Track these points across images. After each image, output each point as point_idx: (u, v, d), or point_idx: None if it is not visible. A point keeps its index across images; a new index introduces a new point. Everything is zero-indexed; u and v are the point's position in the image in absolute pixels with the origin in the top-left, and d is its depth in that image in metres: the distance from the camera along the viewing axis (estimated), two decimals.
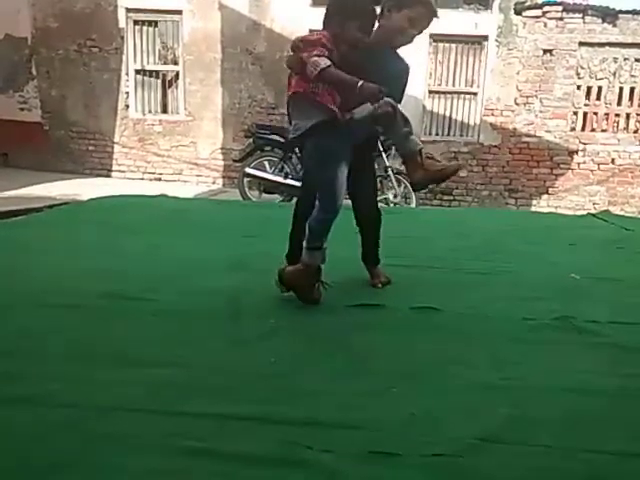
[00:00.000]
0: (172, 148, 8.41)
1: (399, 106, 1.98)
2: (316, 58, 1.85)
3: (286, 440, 1.22)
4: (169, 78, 8.53)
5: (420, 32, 2.11)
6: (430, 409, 1.40)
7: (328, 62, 1.85)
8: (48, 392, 1.38)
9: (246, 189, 6.22)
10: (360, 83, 1.83)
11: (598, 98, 7.93)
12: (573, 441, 1.28)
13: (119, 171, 8.56)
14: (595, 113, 7.98)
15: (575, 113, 7.99)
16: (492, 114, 7.92)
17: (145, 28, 8.31)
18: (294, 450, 1.19)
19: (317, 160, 2.04)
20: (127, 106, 8.40)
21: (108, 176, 8.48)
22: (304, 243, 2.08)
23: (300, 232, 2.18)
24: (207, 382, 1.49)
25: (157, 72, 8.51)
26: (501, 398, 1.47)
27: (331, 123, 1.93)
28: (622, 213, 6.93)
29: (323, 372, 1.59)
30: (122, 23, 8.14)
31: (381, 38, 2.08)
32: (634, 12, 7.53)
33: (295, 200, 2.39)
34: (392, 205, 5.86)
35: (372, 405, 1.40)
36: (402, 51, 2.16)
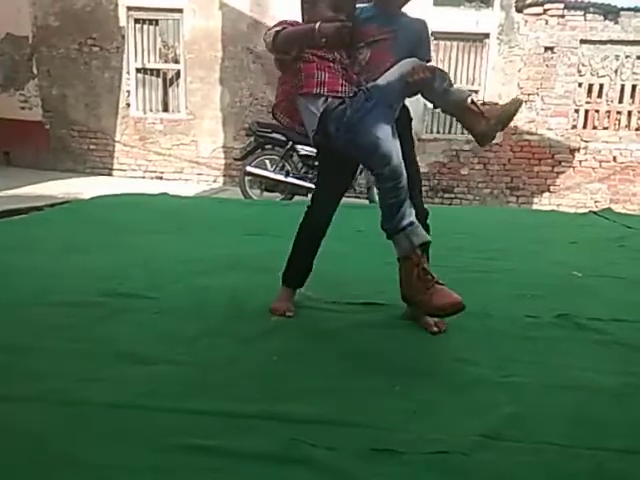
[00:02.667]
0: (173, 147, 8.41)
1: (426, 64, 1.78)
2: (267, 32, 1.78)
3: (289, 438, 1.22)
4: (170, 76, 8.52)
5: None
6: (432, 406, 1.40)
7: (279, 27, 1.76)
8: (51, 390, 1.38)
9: (247, 187, 6.22)
10: (317, 26, 1.71)
11: (599, 96, 7.91)
12: (576, 438, 1.28)
13: (120, 170, 8.55)
14: (597, 111, 7.96)
15: (577, 111, 7.97)
16: None
17: (146, 26, 8.30)
18: (297, 448, 1.19)
19: (345, 137, 1.75)
20: (128, 105, 8.39)
21: (109, 175, 8.48)
22: (389, 230, 1.75)
23: (305, 250, 2.00)
24: (209, 380, 1.49)
25: (158, 70, 8.50)
26: (503, 395, 1.47)
27: (336, 104, 1.73)
28: (624, 211, 6.92)
29: (325, 370, 1.59)
30: (123, 22, 8.13)
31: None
32: (636, 9, 7.51)
33: (304, 212, 2.05)
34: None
35: (374, 403, 1.40)
36: None
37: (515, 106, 1.76)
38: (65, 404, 1.33)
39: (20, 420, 1.26)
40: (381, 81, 1.73)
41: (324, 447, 1.19)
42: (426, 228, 1.90)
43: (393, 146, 1.68)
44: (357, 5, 1.94)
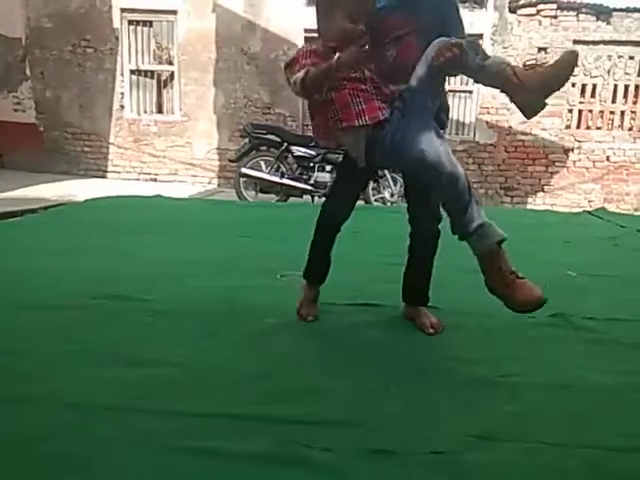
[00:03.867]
0: (167, 148, 8.39)
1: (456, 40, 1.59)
2: (292, 79, 1.66)
3: (286, 439, 1.21)
4: (164, 78, 8.51)
5: None
6: (429, 406, 1.40)
7: (302, 72, 1.62)
8: (48, 392, 1.38)
9: (242, 189, 6.22)
10: (335, 59, 1.56)
11: (593, 96, 7.95)
12: (572, 437, 1.28)
13: (114, 172, 8.53)
14: (590, 111, 8.00)
15: (570, 111, 8.01)
16: (487, 112, 7.93)
17: (140, 28, 8.28)
18: (294, 449, 1.18)
19: (392, 160, 1.71)
20: (122, 106, 8.37)
21: (103, 177, 8.45)
22: (460, 234, 1.65)
23: (322, 246, 1.98)
24: (206, 381, 1.49)
25: (152, 72, 8.48)
26: (500, 395, 1.48)
27: (377, 132, 1.64)
28: (617, 210, 6.96)
29: (322, 370, 1.59)
30: (117, 23, 8.11)
31: None
32: (628, 10, 7.56)
33: (320, 209, 2.00)
34: (389, 204, 5.87)
35: (371, 403, 1.41)
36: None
37: (568, 61, 1.52)
38: (61, 407, 1.32)
39: (16, 423, 1.26)
40: (413, 81, 1.62)
41: (320, 448, 1.19)
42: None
43: (442, 151, 1.56)
44: None
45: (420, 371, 1.61)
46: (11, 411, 1.31)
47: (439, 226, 1.90)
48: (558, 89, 1.54)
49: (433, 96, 1.68)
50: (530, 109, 1.55)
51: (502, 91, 1.57)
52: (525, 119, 1.62)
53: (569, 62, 1.52)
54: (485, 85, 1.64)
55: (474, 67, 1.56)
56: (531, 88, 1.50)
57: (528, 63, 1.56)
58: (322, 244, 2.00)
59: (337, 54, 1.57)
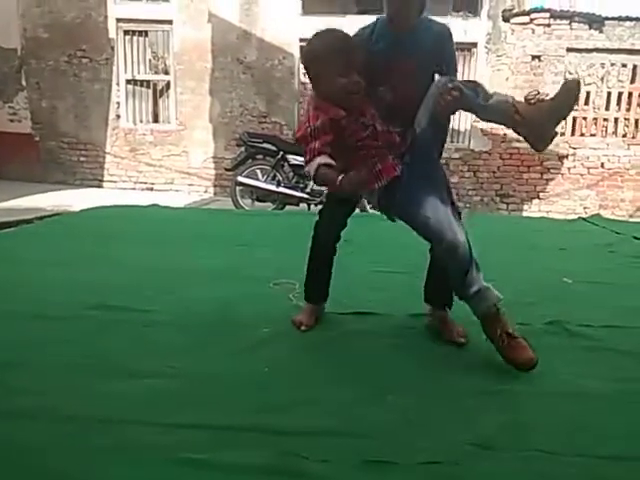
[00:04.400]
0: (164, 157, 8.40)
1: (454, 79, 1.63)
2: (307, 168, 1.65)
3: (282, 450, 1.21)
4: (160, 88, 8.54)
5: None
6: (426, 416, 1.40)
7: (314, 164, 1.61)
8: (46, 405, 1.37)
9: (238, 198, 6.23)
10: (339, 179, 1.55)
11: (586, 103, 8.01)
12: (569, 445, 1.28)
13: (111, 181, 8.53)
14: (584, 118, 8.05)
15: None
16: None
17: (135, 38, 8.32)
18: (291, 460, 1.18)
19: (401, 216, 1.75)
20: (118, 116, 8.39)
21: (99, 186, 8.45)
22: (458, 296, 1.74)
23: (318, 267, 2.01)
24: (200, 393, 1.48)
25: (148, 82, 8.51)
26: (497, 403, 1.48)
27: (390, 190, 1.68)
28: (613, 217, 6.99)
29: (317, 381, 1.58)
30: (112, 33, 8.14)
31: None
32: (619, 19, 7.64)
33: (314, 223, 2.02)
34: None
35: (368, 413, 1.40)
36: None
37: (567, 95, 1.52)
38: (56, 420, 1.31)
39: (13, 437, 1.24)
40: (417, 128, 1.65)
41: (317, 459, 1.18)
42: None
43: (444, 220, 1.62)
44: (365, 26, 1.78)
45: (417, 380, 1.60)
46: (7, 424, 1.29)
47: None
48: (565, 118, 1.57)
49: (439, 140, 1.73)
50: (539, 142, 1.59)
51: (508, 127, 1.62)
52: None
53: (571, 90, 1.53)
54: (490, 122, 1.69)
55: (476, 107, 1.61)
56: (536, 123, 1.53)
57: (529, 97, 1.56)
58: (319, 265, 2.02)
59: (340, 176, 1.55)
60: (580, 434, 1.33)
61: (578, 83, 1.56)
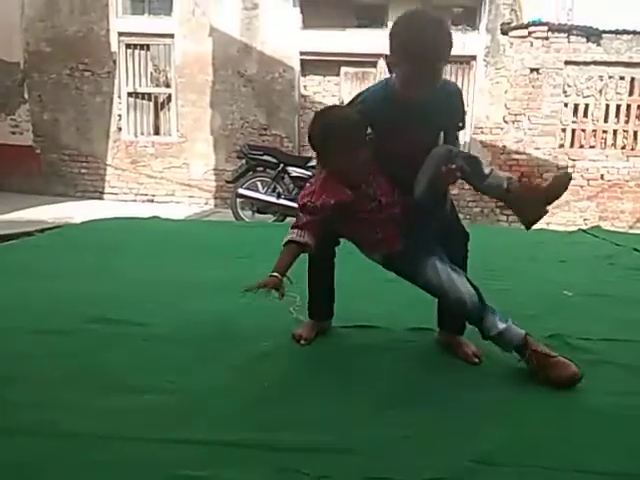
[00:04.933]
0: (164, 169, 8.44)
1: (458, 150, 1.70)
2: (291, 230, 1.71)
3: (282, 467, 1.20)
4: (161, 100, 8.59)
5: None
6: (426, 431, 1.39)
7: (288, 236, 1.70)
8: (45, 420, 1.36)
9: (239, 209, 6.24)
10: (266, 279, 1.65)
11: (585, 115, 8.06)
12: (568, 461, 1.27)
13: (111, 193, 8.56)
14: (583, 130, 8.10)
15: (563, 130, 8.11)
16: (482, 132, 8.01)
17: (137, 51, 8.39)
18: (291, 477, 1.17)
19: (404, 271, 1.77)
20: (119, 128, 8.43)
21: (100, 198, 8.48)
22: (487, 338, 1.71)
23: (317, 287, 2.01)
24: (199, 408, 1.47)
25: (149, 94, 8.57)
26: (497, 418, 1.47)
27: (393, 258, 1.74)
28: (612, 228, 7.00)
29: (318, 395, 1.57)
30: (114, 47, 8.22)
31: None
32: (617, 32, 7.71)
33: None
34: None
35: (368, 429, 1.39)
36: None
37: (559, 185, 1.65)
38: (53, 436, 1.31)
39: (12, 453, 1.23)
40: (416, 196, 1.68)
41: (317, 475, 1.18)
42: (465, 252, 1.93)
43: (444, 280, 1.63)
44: (373, 89, 1.76)
45: (417, 395, 1.60)
46: (6, 440, 1.28)
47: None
48: (552, 202, 1.66)
49: (438, 209, 1.75)
50: (528, 221, 1.70)
51: (501, 202, 1.71)
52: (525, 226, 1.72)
53: (563, 183, 1.65)
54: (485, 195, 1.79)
55: (474, 183, 1.69)
56: (527, 204, 1.64)
57: (524, 179, 1.68)
58: (318, 287, 2.02)
59: (272, 275, 1.66)
60: (580, 450, 1.32)
61: (570, 177, 1.68)
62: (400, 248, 1.71)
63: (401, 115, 1.64)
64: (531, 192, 1.65)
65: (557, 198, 1.65)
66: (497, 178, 1.67)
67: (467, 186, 7.33)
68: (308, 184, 1.75)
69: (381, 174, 1.73)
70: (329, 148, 1.67)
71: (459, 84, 8.12)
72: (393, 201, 1.72)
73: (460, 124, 1.82)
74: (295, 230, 1.68)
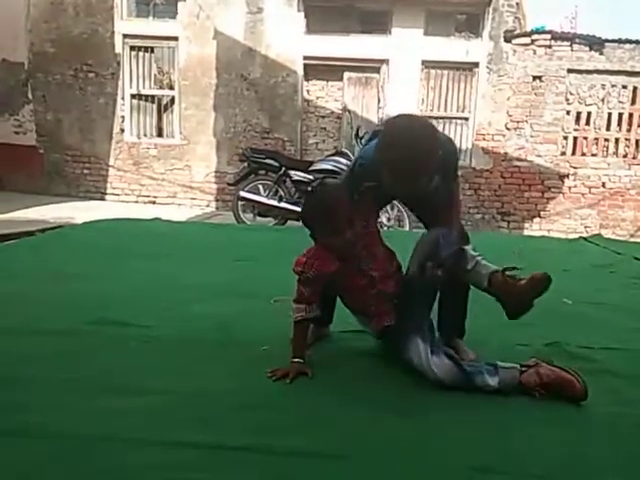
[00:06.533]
0: (167, 171, 8.45)
1: (444, 241, 1.71)
2: (292, 312, 1.76)
3: (275, 471, 1.20)
4: (164, 102, 8.61)
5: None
6: (424, 440, 1.39)
7: (297, 315, 1.74)
8: (40, 423, 1.36)
9: (240, 212, 6.25)
10: (290, 365, 1.70)
11: (587, 123, 8.07)
12: (567, 471, 1.27)
13: (113, 194, 8.57)
14: (585, 138, 8.10)
15: (565, 138, 8.11)
16: (484, 139, 8.02)
17: (141, 53, 8.42)
18: None
19: (391, 344, 1.83)
20: (122, 130, 8.45)
21: (102, 199, 8.49)
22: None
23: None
24: (198, 411, 1.47)
25: (153, 97, 8.59)
26: (496, 428, 1.47)
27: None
28: (613, 236, 6.99)
29: (317, 401, 1.57)
30: (118, 48, 8.24)
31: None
32: (619, 41, 7.73)
33: None
34: (386, 228, 5.89)
35: (366, 435, 1.39)
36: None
37: (539, 284, 1.68)
38: (51, 437, 1.30)
39: (11, 456, 1.23)
40: (409, 274, 1.78)
41: None
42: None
43: (424, 363, 1.66)
44: (370, 161, 1.77)
45: (415, 403, 1.59)
46: (5, 443, 1.28)
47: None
48: (533, 301, 1.70)
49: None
50: (511, 314, 1.74)
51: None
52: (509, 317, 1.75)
53: (542, 282, 1.68)
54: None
55: (459, 274, 1.74)
56: (512, 299, 1.69)
57: (508, 273, 1.72)
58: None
59: (295, 361, 1.71)
60: (578, 459, 1.32)
61: (548, 277, 1.68)
62: (390, 323, 1.79)
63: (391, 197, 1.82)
64: (511, 290, 1.68)
65: (537, 297, 1.68)
66: (478, 275, 1.73)
67: (468, 192, 7.34)
68: (305, 250, 1.78)
69: (381, 245, 1.87)
70: (316, 227, 1.78)
71: (461, 90, 8.15)
72: (388, 275, 1.82)
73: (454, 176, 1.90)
74: (302, 306, 1.74)
